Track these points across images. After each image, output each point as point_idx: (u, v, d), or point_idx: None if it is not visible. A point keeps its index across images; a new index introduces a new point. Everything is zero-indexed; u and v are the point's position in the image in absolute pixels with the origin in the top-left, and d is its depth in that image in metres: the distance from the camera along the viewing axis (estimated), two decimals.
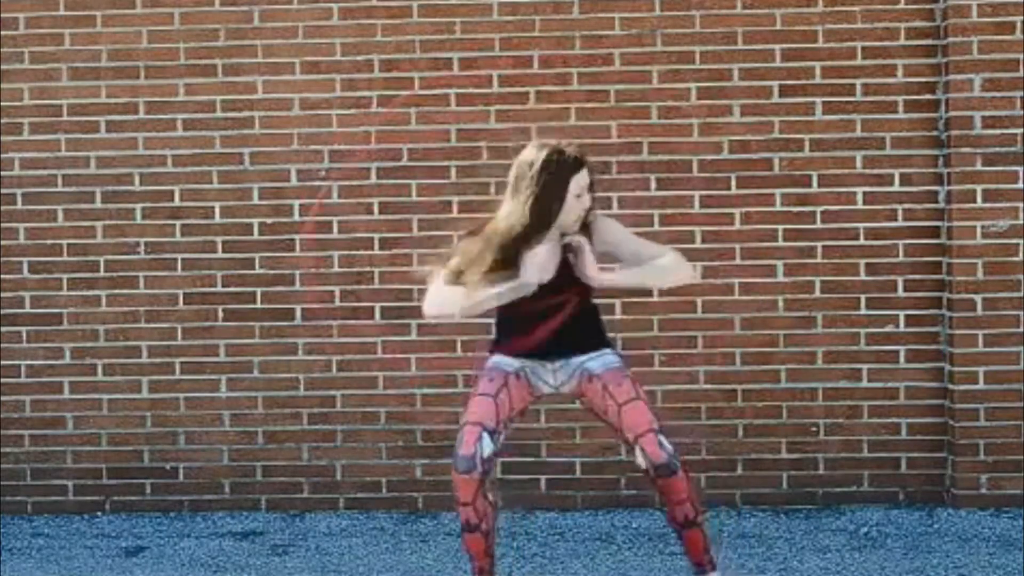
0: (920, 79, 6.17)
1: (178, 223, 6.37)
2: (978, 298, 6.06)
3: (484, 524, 4.55)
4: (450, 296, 4.58)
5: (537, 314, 4.57)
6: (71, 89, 6.38)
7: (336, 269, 6.33)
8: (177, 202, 6.37)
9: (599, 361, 4.63)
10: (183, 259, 6.36)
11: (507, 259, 4.50)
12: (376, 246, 6.33)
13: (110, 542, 5.97)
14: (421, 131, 6.29)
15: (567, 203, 4.51)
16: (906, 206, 6.19)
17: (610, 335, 4.80)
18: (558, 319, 4.58)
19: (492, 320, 4.73)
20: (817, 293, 6.21)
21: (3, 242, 6.39)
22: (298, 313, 6.34)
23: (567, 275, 4.55)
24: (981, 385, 6.06)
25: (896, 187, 6.19)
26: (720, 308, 6.18)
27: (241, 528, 6.15)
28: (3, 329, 6.39)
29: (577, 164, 4.53)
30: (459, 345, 6.28)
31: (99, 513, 6.40)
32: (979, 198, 6.05)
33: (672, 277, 4.67)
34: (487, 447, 4.48)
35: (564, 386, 4.68)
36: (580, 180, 4.52)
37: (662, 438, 4.46)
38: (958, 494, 6.10)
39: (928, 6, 6.16)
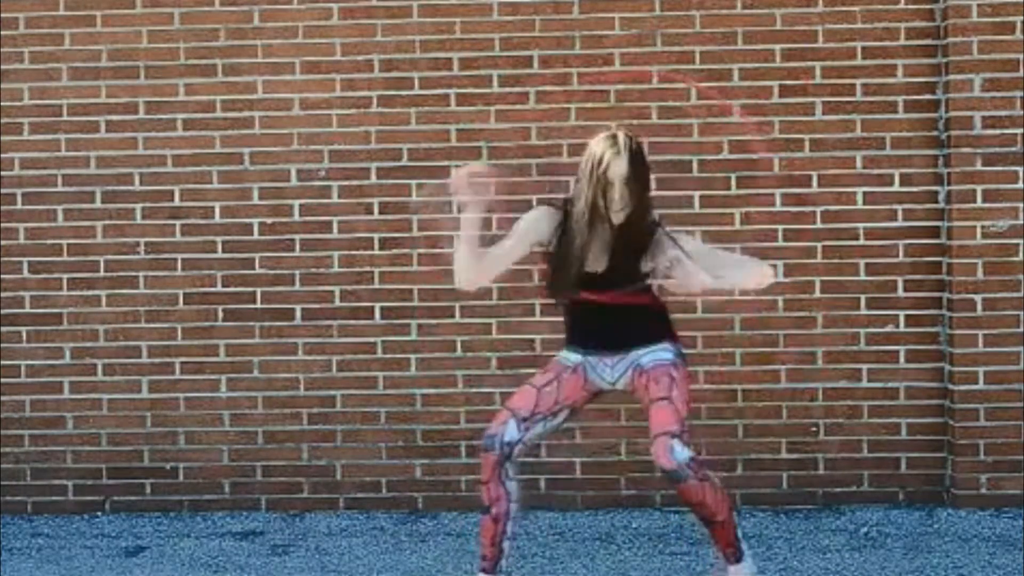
0: (920, 79, 6.17)
1: (178, 223, 6.37)
2: (978, 298, 6.06)
3: (495, 509, 4.61)
4: (458, 264, 4.65)
5: (599, 307, 4.61)
6: (71, 89, 6.38)
7: (336, 269, 6.33)
8: (177, 202, 6.37)
9: (651, 356, 4.65)
10: (183, 259, 6.36)
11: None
12: (376, 246, 6.33)
13: (110, 542, 5.97)
14: (421, 131, 6.29)
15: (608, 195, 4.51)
16: (906, 206, 6.19)
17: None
18: (615, 313, 4.61)
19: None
20: (817, 293, 6.21)
21: (3, 242, 6.39)
22: (298, 313, 6.34)
23: (626, 268, 4.57)
24: (981, 385, 6.06)
25: (896, 187, 6.19)
26: (720, 308, 6.17)
27: (241, 528, 6.15)
28: (3, 329, 6.39)
29: (614, 154, 4.51)
30: (459, 345, 6.28)
31: (99, 513, 6.40)
32: (979, 198, 6.05)
33: (755, 279, 4.64)
34: (511, 432, 4.59)
35: (620, 381, 4.70)
36: (615, 169, 4.50)
37: (676, 444, 4.44)
38: (958, 494, 6.10)
39: (928, 6, 6.16)
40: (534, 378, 4.74)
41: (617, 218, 4.53)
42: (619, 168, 4.49)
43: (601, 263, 4.58)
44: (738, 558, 4.67)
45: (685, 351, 4.76)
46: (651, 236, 4.61)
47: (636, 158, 4.53)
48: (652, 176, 4.64)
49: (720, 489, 4.56)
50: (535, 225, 4.69)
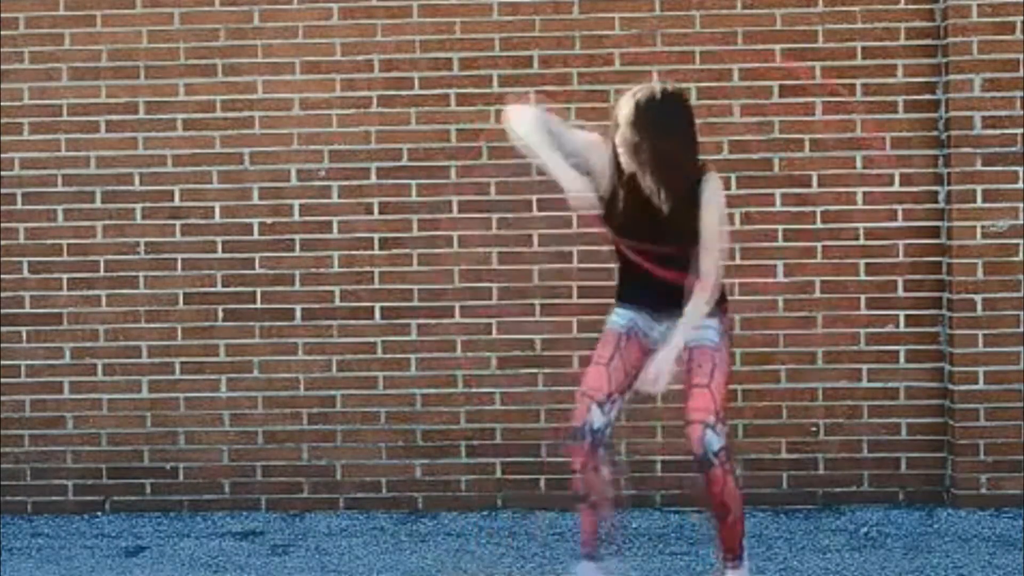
0: (920, 79, 6.17)
1: (178, 223, 6.37)
2: (978, 298, 6.06)
3: (594, 496, 4.63)
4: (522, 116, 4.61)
5: (652, 262, 4.56)
6: (71, 89, 6.38)
7: (336, 269, 6.33)
8: (177, 202, 6.37)
9: (699, 334, 4.58)
10: (183, 259, 6.36)
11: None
12: (376, 246, 6.33)
13: (110, 542, 5.97)
14: (421, 131, 6.29)
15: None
16: (906, 206, 6.19)
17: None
18: (669, 274, 4.55)
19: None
20: (817, 293, 6.21)
21: (3, 242, 6.39)
22: (298, 313, 6.34)
23: (678, 226, 4.49)
24: (981, 385, 6.06)
25: (896, 187, 6.19)
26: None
27: (241, 528, 6.15)
28: (3, 329, 6.39)
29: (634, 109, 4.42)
30: (459, 345, 6.28)
31: (99, 513, 6.40)
32: (979, 198, 6.05)
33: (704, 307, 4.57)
34: (597, 419, 4.58)
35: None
36: (624, 134, 4.43)
37: (709, 432, 4.48)
38: (958, 494, 6.10)
39: (928, 6, 6.16)
40: (597, 353, 4.67)
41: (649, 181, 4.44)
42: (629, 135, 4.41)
43: (648, 217, 4.49)
44: (738, 564, 4.70)
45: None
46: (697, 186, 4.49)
47: (656, 123, 4.39)
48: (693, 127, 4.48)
49: (737, 488, 4.62)
50: (596, 152, 4.61)
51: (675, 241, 4.52)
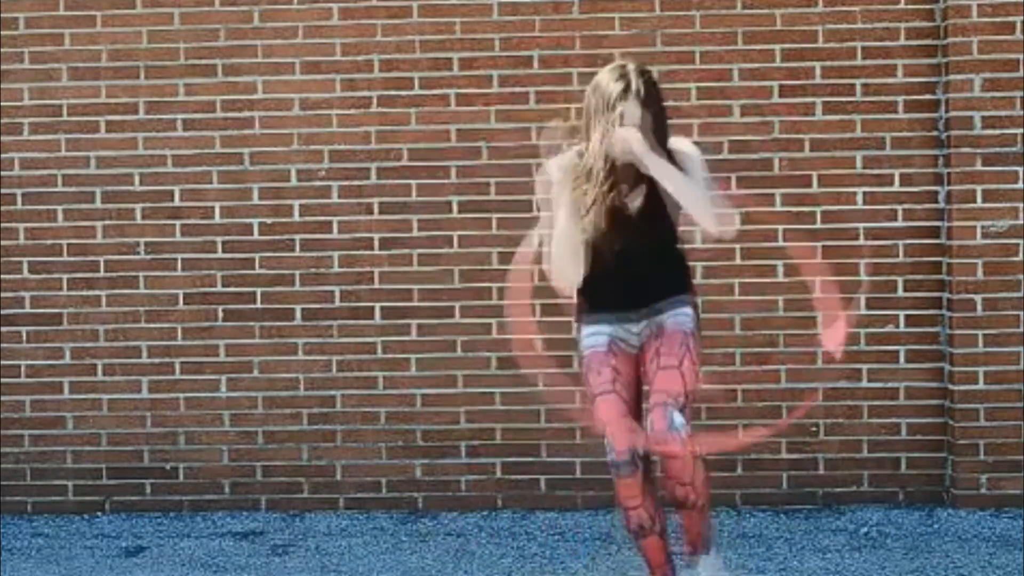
0: (920, 79, 6.17)
1: (178, 223, 6.37)
2: (978, 298, 6.06)
3: (658, 525, 4.38)
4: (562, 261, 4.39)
5: (617, 266, 4.36)
6: (71, 89, 6.38)
7: (336, 269, 6.33)
8: (177, 202, 6.37)
9: (673, 318, 4.40)
10: (183, 259, 6.36)
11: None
12: (376, 246, 6.33)
13: (110, 542, 5.97)
14: (421, 131, 6.30)
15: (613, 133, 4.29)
16: (906, 206, 6.19)
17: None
18: (633, 266, 4.38)
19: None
20: (817, 293, 6.20)
21: (3, 242, 6.39)
22: (298, 313, 6.34)
23: (639, 216, 4.36)
24: (981, 385, 6.06)
25: (896, 187, 6.19)
26: (720, 308, 6.17)
27: (241, 528, 6.15)
28: (3, 329, 6.39)
29: (623, 92, 4.32)
30: (459, 345, 6.28)
31: (99, 513, 6.40)
32: (979, 198, 6.05)
33: (702, 210, 4.34)
34: (639, 436, 4.27)
35: (642, 338, 4.46)
36: (626, 109, 4.31)
37: (675, 413, 4.21)
38: (958, 494, 6.10)
39: (928, 6, 6.16)
40: (593, 385, 4.38)
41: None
42: (632, 113, 4.30)
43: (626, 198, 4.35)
44: (707, 549, 4.51)
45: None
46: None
47: (649, 96, 4.33)
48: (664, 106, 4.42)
49: (707, 474, 4.39)
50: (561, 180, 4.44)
51: (645, 237, 4.40)
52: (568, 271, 4.40)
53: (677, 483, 4.33)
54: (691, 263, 4.71)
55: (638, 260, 4.39)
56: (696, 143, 6.09)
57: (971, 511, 6.05)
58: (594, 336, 4.47)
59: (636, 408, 4.45)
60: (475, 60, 6.28)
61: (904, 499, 6.21)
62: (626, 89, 4.33)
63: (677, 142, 4.49)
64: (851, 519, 6.03)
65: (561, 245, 4.38)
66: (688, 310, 4.46)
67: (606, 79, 4.39)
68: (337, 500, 6.35)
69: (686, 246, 4.67)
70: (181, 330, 6.37)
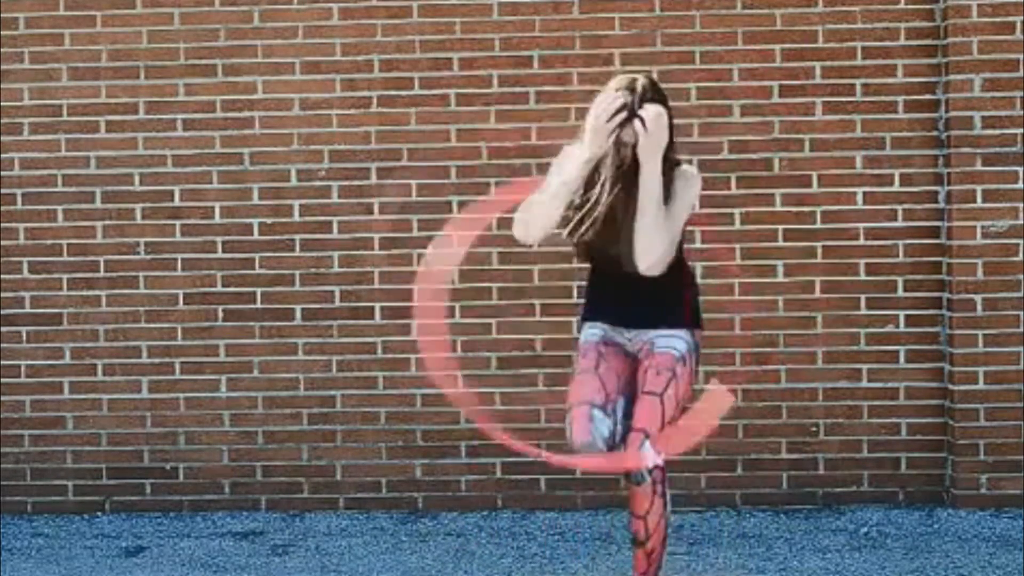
0: (920, 79, 6.17)
1: (178, 223, 6.37)
2: (978, 298, 6.06)
3: (650, 542, 4.38)
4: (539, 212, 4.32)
5: (617, 278, 4.37)
6: (71, 89, 6.38)
7: (336, 269, 6.33)
8: (177, 202, 6.37)
9: (665, 342, 4.38)
10: (183, 259, 6.36)
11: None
12: (376, 246, 6.33)
13: (110, 542, 5.97)
14: (421, 131, 6.29)
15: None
16: (906, 206, 6.19)
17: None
18: (635, 288, 4.34)
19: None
20: (817, 293, 6.21)
21: (3, 242, 6.39)
22: (298, 313, 6.34)
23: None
24: (981, 385, 6.06)
25: (896, 187, 6.19)
26: (720, 308, 6.17)
27: (241, 528, 6.15)
28: (3, 329, 6.39)
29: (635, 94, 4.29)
30: (459, 345, 6.28)
31: (99, 513, 6.40)
32: (979, 198, 6.05)
33: (647, 241, 4.26)
34: (602, 424, 4.22)
35: (633, 349, 4.47)
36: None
37: (648, 444, 4.21)
38: (958, 494, 6.10)
39: (928, 6, 6.16)
40: (580, 366, 4.39)
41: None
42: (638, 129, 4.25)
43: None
44: None
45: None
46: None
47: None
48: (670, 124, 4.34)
49: (664, 518, 4.37)
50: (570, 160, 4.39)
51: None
52: (533, 230, 4.35)
53: (633, 515, 4.38)
54: (699, 294, 4.63)
55: (633, 281, 4.37)
56: (696, 143, 6.20)
57: (971, 511, 6.05)
58: (590, 331, 4.54)
59: (619, 391, 4.38)
60: (475, 60, 6.29)
61: (904, 499, 6.21)
62: (636, 93, 4.32)
63: (685, 164, 4.47)
64: (851, 519, 6.03)
65: (543, 204, 4.31)
66: (684, 333, 4.43)
67: (615, 85, 4.38)
68: (337, 500, 6.35)
69: (697, 280, 4.66)
70: (181, 330, 6.37)
